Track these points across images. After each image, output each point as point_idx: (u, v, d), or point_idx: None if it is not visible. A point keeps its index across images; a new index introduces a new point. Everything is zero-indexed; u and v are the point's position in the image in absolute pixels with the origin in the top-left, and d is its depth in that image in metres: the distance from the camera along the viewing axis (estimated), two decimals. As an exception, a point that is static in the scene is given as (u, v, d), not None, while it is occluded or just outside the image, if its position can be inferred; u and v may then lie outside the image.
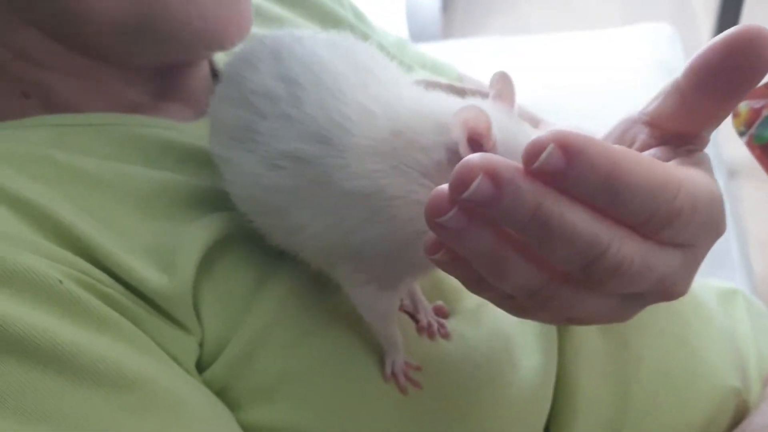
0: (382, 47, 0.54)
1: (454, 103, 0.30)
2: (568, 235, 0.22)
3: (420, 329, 0.38)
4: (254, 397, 0.35)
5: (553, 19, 2.04)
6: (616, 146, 0.22)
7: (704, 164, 0.26)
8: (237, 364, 0.34)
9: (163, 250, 0.35)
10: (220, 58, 0.50)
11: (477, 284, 0.26)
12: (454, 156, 0.28)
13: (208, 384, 0.35)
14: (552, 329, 0.42)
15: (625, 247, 0.22)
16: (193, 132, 0.43)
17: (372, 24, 0.64)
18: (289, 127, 0.30)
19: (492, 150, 0.27)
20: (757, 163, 0.54)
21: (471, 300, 0.42)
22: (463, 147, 0.27)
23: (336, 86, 0.30)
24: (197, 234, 0.35)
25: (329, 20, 0.58)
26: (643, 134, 0.29)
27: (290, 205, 0.31)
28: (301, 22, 0.56)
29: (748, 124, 0.53)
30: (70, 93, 0.43)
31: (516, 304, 0.27)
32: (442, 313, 0.41)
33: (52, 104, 0.42)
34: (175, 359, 0.33)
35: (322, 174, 0.30)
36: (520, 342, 0.41)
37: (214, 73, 0.50)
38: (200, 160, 0.41)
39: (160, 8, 0.39)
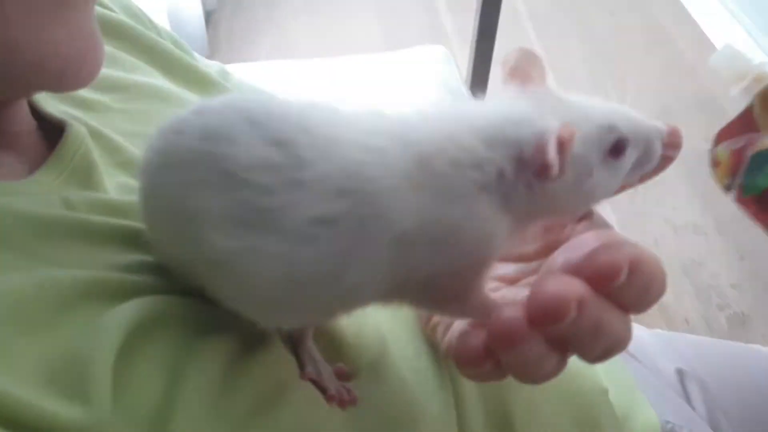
0: (207, 75, 0.51)
1: (472, 114, 0.29)
2: (609, 334, 0.25)
3: (330, 398, 0.33)
4: None
5: (320, 42, 1.99)
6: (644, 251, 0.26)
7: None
8: None
9: (61, 370, 0.27)
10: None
11: (485, 376, 0.28)
12: (520, 167, 0.28)
13: None
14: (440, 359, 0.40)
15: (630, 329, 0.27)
16: (36, 192, 0.33)
17: (191, 51, 0.56)
18: (305, 192, 0.26)
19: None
20: (755, 221, 0.44)
21: (368, 354, 0.37)
22: (557, 167, 0.27)
23: (329, 133, 0.27)
24: (99, 341, 0.27)
25: (154, 53, 0.49)
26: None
27: (341, 269, 0.27)
28: (125, 56, 0.47)
29: (733, 173, 0.44)
30: None
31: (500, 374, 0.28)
32: (344, 375, 0.35)
33: None
34: None
35: (362, 227, 0.27)
36: (421, 384, 0.38)
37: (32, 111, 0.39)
38: (62, 232, 0.31)
39: (4, 50, 0.29)
